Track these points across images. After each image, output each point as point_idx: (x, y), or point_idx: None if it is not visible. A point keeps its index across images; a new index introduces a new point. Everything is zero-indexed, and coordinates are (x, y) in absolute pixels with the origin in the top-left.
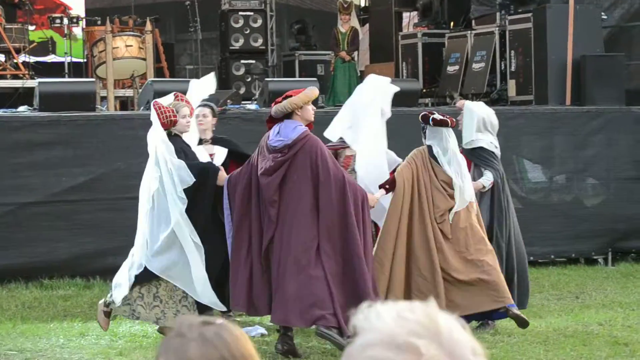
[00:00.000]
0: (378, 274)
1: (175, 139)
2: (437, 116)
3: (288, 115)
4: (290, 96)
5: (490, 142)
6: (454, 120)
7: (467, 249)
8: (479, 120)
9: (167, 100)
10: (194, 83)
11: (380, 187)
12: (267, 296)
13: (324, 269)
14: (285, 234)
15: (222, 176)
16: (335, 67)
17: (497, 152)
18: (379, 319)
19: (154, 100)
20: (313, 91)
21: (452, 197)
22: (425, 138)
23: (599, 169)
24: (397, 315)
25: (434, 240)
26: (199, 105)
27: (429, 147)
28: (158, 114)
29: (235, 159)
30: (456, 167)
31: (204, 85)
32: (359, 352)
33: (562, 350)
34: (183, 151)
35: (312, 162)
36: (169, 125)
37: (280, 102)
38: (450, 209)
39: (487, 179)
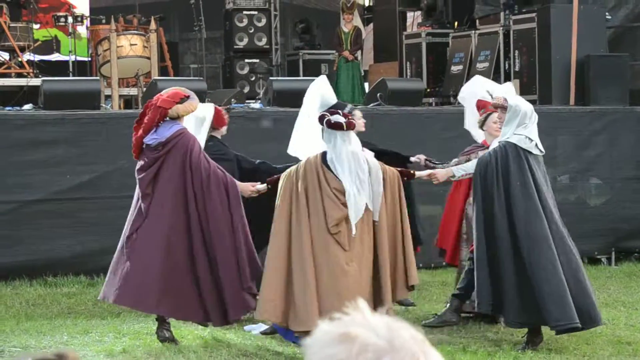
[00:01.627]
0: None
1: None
2: (333, 118)
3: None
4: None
5: (525, 137)
6: (354, 123)
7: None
8: (523, 115)
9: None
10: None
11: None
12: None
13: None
14: (151, 228)
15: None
16: (338, 67)
17: (534, 149)
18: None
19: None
20: (193, 104)
21: (346, 205)
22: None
23: (603, 169)
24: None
25: (323, 250)
26: None
27: (323, 154)
28: (216, 113)
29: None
30: (355, 174)
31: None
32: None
33: (565, 349)
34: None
35: (184, 158)
36: (219, 126)
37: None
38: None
39: (463, 168)
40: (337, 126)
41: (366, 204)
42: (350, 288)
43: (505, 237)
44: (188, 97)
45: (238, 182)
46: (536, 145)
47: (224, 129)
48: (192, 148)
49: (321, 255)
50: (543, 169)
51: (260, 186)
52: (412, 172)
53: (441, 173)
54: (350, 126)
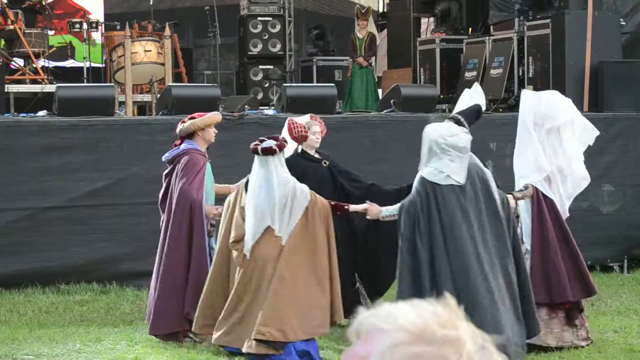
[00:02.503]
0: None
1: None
2: (264, 144)
3: (191, 135)
4: (194, 118)
5: (435, 169)
6: (283, 144)
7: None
8: (430, 146)
9: (303, 119)
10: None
11: None
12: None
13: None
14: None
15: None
16: (352, 73)
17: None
18: (400, 318)
19: (288, 118)
20: (216, 116)
21: None
22: None
23: (616, 176)
24: (417, 313)
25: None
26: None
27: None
28: (290, 129)
29: None
30: (262, 198)
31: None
32: (389, 353)
33: (577, 357)
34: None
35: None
36: (300, 140)
37: (185, 122)
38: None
39: (389, 210)
40: (268, 152)
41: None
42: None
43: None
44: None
45: (204, 205)
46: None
47: (310, 141)
48: (180, 167)
49: (225, 269)
50: (469, 196)
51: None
52: (345, 206)
53: (374, 210)
54: (281, 147)
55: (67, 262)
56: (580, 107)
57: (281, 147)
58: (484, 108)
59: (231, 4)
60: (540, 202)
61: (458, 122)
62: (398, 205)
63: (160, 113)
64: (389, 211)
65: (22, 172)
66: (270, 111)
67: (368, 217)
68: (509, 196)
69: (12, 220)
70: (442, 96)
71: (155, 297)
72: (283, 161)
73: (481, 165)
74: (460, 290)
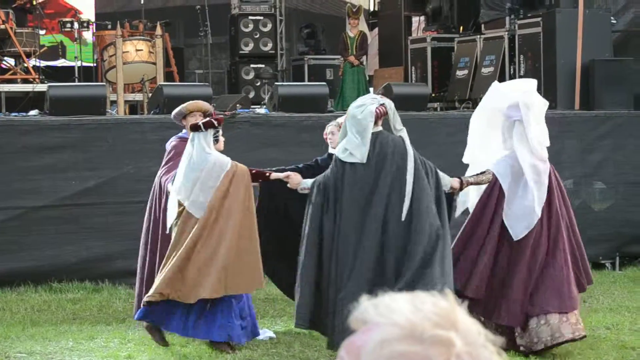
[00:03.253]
0: None
1: None
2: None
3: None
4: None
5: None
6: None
7: None
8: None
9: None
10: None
11: None
12: None
13: None
14: None
15: None
16: (344, 72)
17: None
18: (395, 312)
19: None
20: (203, 104)
21: None
22: None
23: (607, 174)
24: (414, 307)
25: None
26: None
27: None
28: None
29: None
30: (182, 173)
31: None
32: (377, 348)
33: (570, 354)
34: None
35: None
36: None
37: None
38: None
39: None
40: (193, 128)
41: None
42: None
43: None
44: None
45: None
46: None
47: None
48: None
49: None
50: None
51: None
52: (267, 173)
53: (294, 180)
54: (206, 125)
55: (59, 260)
56: (571, 105)
57: (207, 125)
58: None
59: (222, 3)
60: (492, 194)
61: None
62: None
63: (152, 112)
64: (306, 184)
65: (13, 171)
66: (262, 110)
67: (288, 185)
68: (455, 179)
69: (4, 220)
70: (433, 95)
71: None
72: (209, 139)
73: (406, 146)
74: (352, 269)
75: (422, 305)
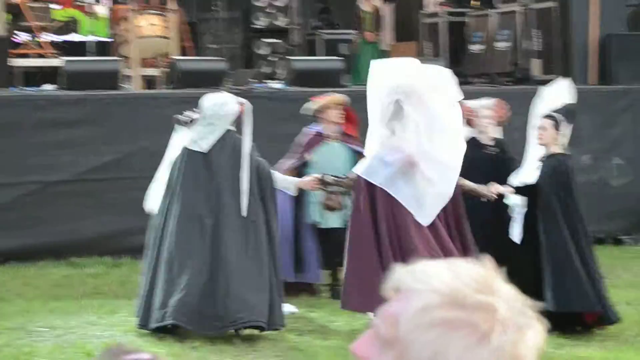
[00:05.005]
0: None
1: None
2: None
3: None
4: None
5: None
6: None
7: None
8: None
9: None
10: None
11: None
12: None
13: None
14: None
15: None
16: (359, 47)
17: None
18: (434, 278)
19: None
20: (334, 98)
21: None
22: None
23: (625, 149)
24: (453, 274)
25: None
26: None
27: None
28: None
29: None
30: None
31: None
32: (418, 315)
33: (590, 329)
34: None
35: None
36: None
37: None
38: None
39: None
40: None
41: None
42: None
43: None
44: None
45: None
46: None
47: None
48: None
49: None
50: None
51: None
52: None
53: None
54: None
55: (78, 235)
56: (585, 80)
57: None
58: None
59: None
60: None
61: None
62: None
63: (167, 87)
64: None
65: (29, 146)
66: (277, 84)
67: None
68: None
69: (22, 195)
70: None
71: None
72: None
73: (244, 147)
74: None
75: (461, 271)
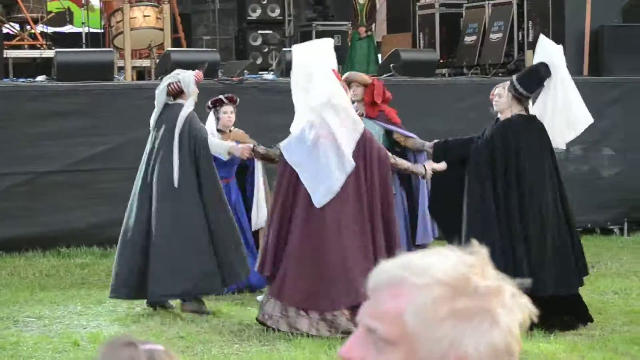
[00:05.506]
0: None
1: None
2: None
3: None
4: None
5: None
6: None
7: None
8: None
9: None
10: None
11: None
12: None
13: None
14: None
15: None
16: (352, 40)
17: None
18: (433, 270)
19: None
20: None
21: None
22: None
23: (616, 140)
24: (449, 263)
25: None
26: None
27: None
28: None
29: None
30: None
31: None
32: (431, 310)
33: None
34: None
35: None
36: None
37: None
38: None
39: None
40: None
41: None
42: None
43: None
44: None
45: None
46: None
47: None
48: None
49: None
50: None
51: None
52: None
53: None
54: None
55: (67, 225)
56: (580, 71)
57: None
58: (555, 61)
59: None
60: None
61: (514, 89)
62: None
63: (160, 78)
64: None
65: (21, 137)
66: (269, 76)
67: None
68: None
69: (13, 185)
70: (441, 61)
71: None
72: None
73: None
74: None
75: (454, 258)
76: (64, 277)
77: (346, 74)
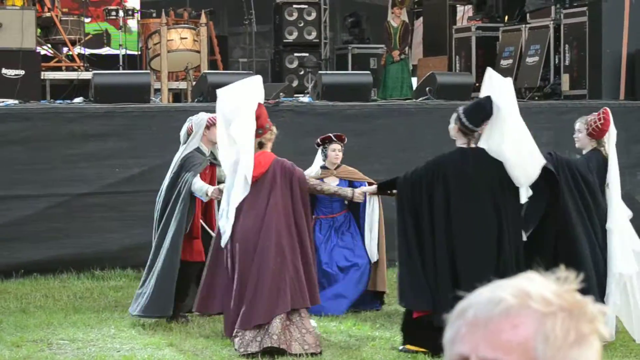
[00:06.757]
0: None
1: None
2: None
3: None
4: None
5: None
6: None
7: None
8: None
9: None
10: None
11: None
12: None
13: None
14: None
15: None
16: (386, 63)
17: None
18: (548, 295)
19: None
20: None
21: None
22: None
23: None
24: (550, 289)
25: None
26: None
27: None
28: None
29: None
30: None
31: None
32: (560, 337)
33: (626, 344)
34: None
35: None
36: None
37: None
38: None
39: None
40: None
41: None
42: None
43: None
44: None
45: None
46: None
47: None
48: None
49: None
50: None
51: None
52: None
53: None
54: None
55: (102, 248)
56: (616, 95)
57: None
58: (504, 97)
59: None
60: None
61: (457, 118)
62: None
63: (196, 100)
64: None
65: (58, 159)
66: (305, 99)
67: None
68: None
69: (48, 207)
70: (477, 84)
71: None
72: None
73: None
74: None
75: (557, 285)
76: (97, 300)
77: None
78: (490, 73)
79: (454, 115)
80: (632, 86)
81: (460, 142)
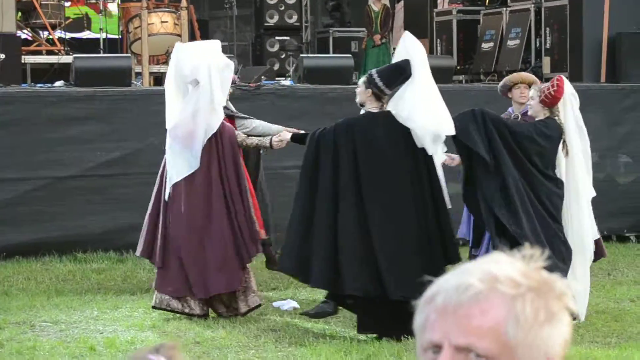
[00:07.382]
0: None
1: None
2: None
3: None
4: None
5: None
6: None
7: None
8: None
9: None
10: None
11: None
12: None
13: None
14: None
15: None
16: (366, 47)
17: None
18: (517, 277)
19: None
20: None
21: None
22: None
23: (633, 147)
24: (517, 267)
25: None
26: None
27: None
28: None
29: None
30: None
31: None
32: (530, 317)
33: (593, 326)
34: None
35: None
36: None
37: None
38: None
39: None
40: None
41: None
42: None
43: None
44: None
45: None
46: None
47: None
48: None
49: None
50: None
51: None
52: None
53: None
54: None
55: (84, 230)
56: (597, 77)
57: None
58: (417, 61)
59: None
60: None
61: (369, 81)
62: None
63: None
64: None
65: (39, 142)
66: (287, 82)
67: None
68: None
69: (30, 190)
70: (458, 67)
71: None
72: None
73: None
74: None
75: (523, 264)
76: (80, 282)
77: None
78: (405, 36)
79: (364, 79)
80: (612, 68)
81: (371, 106)
